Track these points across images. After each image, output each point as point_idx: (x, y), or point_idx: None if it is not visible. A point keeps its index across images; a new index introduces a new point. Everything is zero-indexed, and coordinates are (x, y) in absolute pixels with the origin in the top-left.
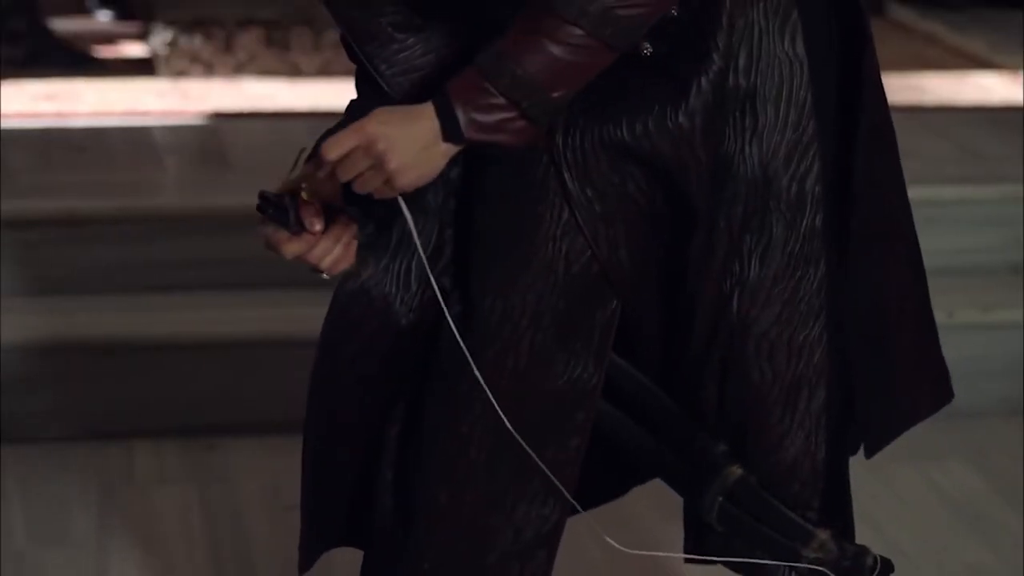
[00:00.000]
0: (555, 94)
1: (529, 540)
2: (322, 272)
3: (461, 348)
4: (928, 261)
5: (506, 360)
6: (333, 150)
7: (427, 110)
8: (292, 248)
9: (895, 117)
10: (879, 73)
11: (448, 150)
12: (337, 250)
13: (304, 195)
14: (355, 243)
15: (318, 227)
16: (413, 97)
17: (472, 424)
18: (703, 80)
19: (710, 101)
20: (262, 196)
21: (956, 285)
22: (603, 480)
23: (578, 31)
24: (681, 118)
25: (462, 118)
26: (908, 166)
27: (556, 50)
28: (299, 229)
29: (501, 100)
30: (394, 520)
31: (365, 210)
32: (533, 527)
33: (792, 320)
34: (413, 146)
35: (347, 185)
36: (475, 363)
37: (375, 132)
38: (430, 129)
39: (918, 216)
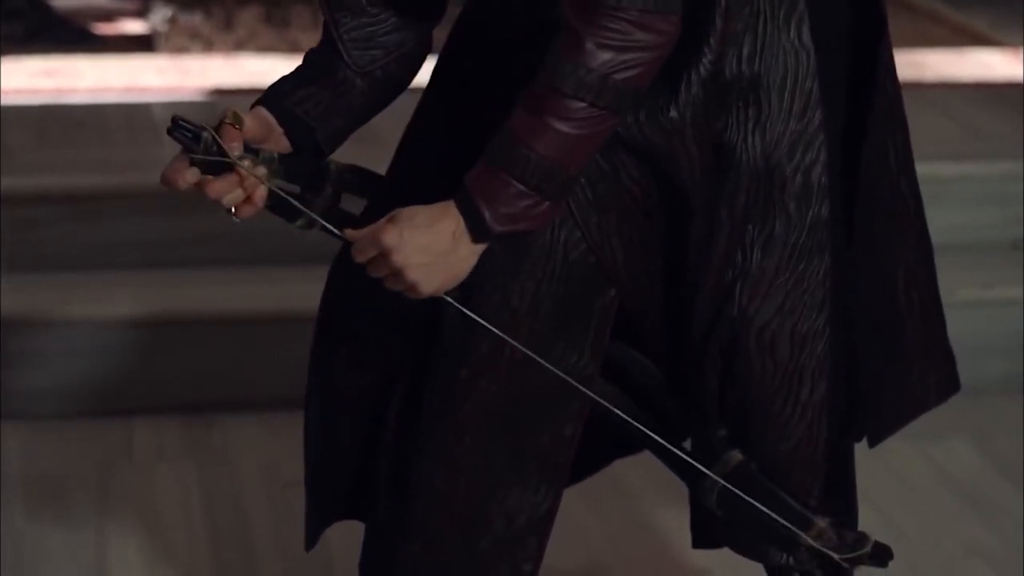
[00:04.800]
0: (571, 170)
1: (521, 527)
2: (231, 212)
3: (461, 332)
4: None
5: (503, 347)
6: (357, 255)
7: (448, 211)
8: (187, 177)
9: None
10: (892, 58)
11: (475, 249)
12: (239, 192)
13: (211, 131)
14: (263, 189)
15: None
16: (368, 74)
17: (469, 411)
18: (693, 75)
19: (701, 95)
20: (175, 120)
21: (956, 262)
22: (590, 452)
23: (581, 104)
24: (672, 112)
25: (487, 213)
26: None
27: (563, 127)
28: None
29: (522, 188)
30: (391, 499)
31: (290, 166)
32: (525, 514)
33: (795, 311)
34: (431, 256)
35: (287, 156)
36: (472, 352)
37: (390, 244)
38: (450, 233)
39: None
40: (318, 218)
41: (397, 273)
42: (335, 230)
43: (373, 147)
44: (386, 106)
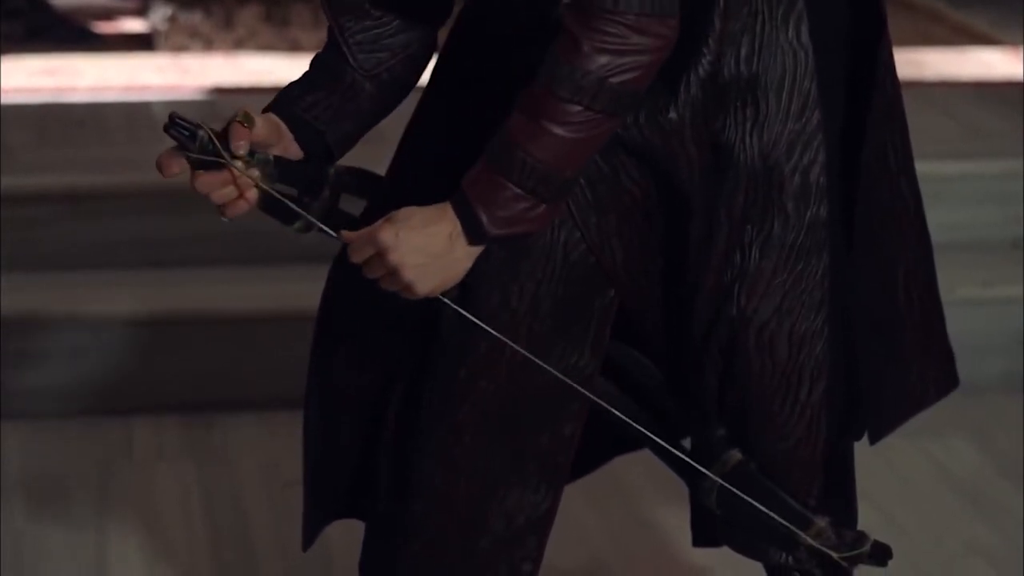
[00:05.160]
0: (567, 173)
1: (520, 526)
2: (220, 210)
3: (459, 332)
4: None
5: (503, 347)
6: (354, 255)
7: (445, 213)
8: (174, 168)
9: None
10: (892, 57)
11: (471, 252)
12: (228, 190)
13: (207, 130)
14: (253, 191)
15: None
16: (375, 76)
17: (469, 411)
18: (692, 75)
19: (699, 96)
20: (172, 117)
21: (956, 261)
22: (590, 449)
23: (577, 108)
24: (671, 113)
25: (484, 217)
26: None
27: (560, 131)
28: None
29: (519, 191)
30: (391, 498)
31: (286, 169)
32: (524, 514)
33: (793, 311)
34: (427, 257)
35: (283, 160)
36: (471, 352)
37: (386, 243)
38: (447, 235)
39: None
40: (313, 220)
41: (393, 273)
42: (332, 232)
43: (376, 146)
44: (394, 107)
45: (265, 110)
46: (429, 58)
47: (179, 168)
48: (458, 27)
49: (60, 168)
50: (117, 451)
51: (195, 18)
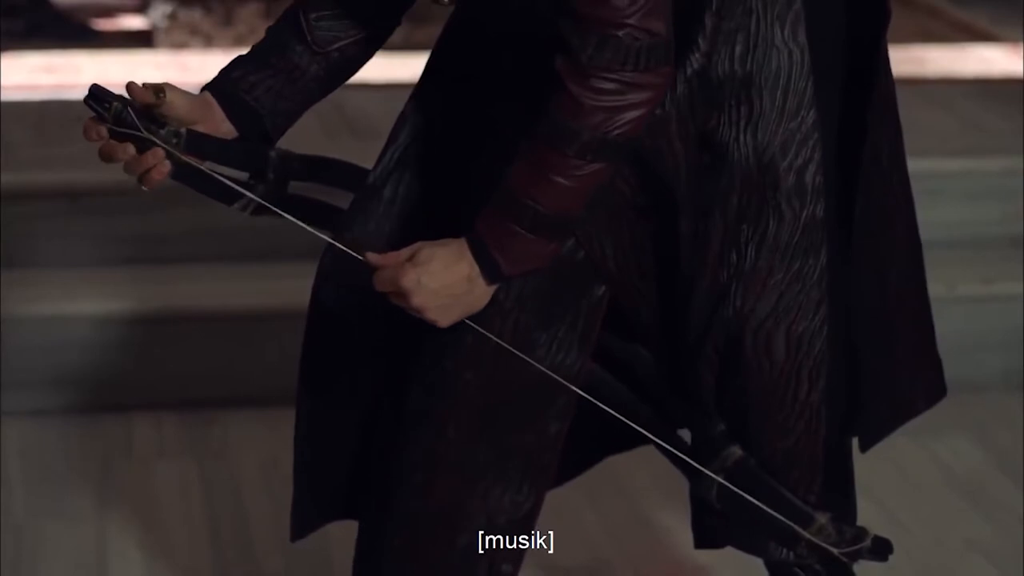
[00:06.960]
0: (573, 213)
1: (501, 526)
2: (140, 182)
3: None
4: (928, 234)
5: (488, 341)
6: (378, 286)
7: (463, 255)
8: (90, 135)
9: (896, 90)
10: (887, 53)
11: (489, 290)
12: (140, 161)
13: (121, 102)
14: (165, 164)
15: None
16: (326, 55)
17: (453, 404)
18: (679, 73)
19: (686, 92)
20: (92, 89)
21: (957, 258)
22: (577, 451)
23: (580, 162)
24: (657, 111)
25: (500, 259)
26: (909, 139)
27: (565, 182)
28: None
29: (531, 236)
30: (379, 492)
31: (197, 143)
32: (506, 513)
33: (790, 311)
34: (448, 298)
35: (197, 134)
36: (456, 344)
37: (408, 288)
38: (465, 277)
39: (919, 189)
40: (230, 182)
41: (417, 311)
42: (282, 212)
43: (373, 142)
44: (336, 87)
45: (206, 87)
46: (383, 42)
47: (95, 135)
48: (453, 23)
49: (59, 165)
50: (117, 448)
51: (195, 15)
